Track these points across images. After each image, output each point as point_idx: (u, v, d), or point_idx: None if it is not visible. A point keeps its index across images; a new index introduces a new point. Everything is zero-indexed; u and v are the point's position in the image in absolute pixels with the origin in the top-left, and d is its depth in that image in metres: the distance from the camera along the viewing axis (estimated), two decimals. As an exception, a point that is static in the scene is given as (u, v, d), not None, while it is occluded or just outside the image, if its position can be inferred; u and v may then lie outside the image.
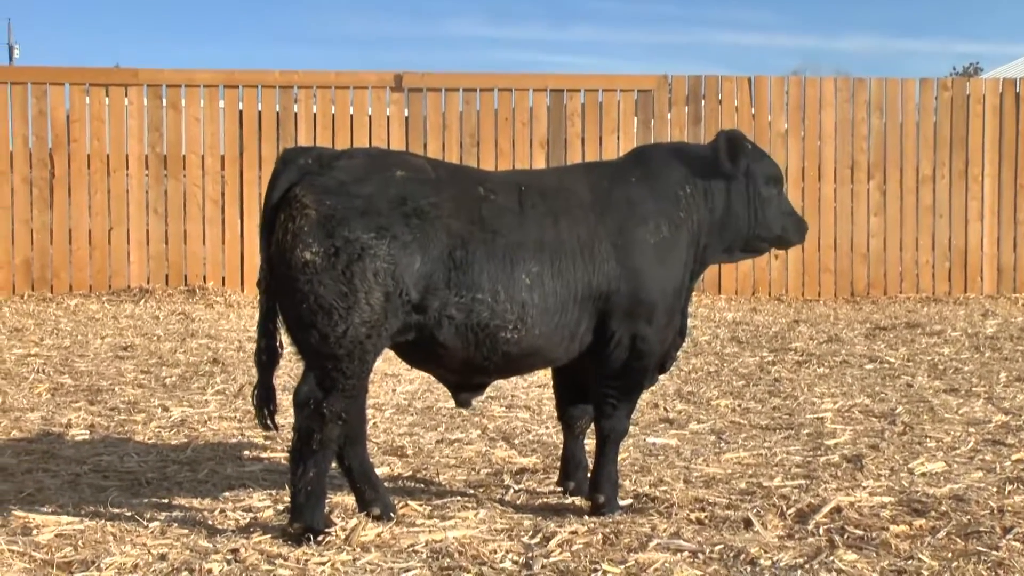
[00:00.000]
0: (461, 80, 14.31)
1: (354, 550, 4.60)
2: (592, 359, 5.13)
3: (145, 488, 5.61)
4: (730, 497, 5.40)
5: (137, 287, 13.55)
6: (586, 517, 5.07)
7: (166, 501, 5.35)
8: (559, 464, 5.69)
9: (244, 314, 12.18)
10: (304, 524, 4.69)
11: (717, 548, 4.63)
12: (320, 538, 4.66)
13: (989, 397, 7.97)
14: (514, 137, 14.16)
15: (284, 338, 4.87)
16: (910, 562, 4.53)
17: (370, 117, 14.07)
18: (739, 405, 7.74)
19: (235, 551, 4.55)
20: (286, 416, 5.13)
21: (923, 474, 5.91)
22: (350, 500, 5.18)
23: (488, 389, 5.43)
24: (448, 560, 4.51)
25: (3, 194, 13.61)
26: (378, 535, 4.78)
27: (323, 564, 4.45)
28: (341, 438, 4.84)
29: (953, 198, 14.59)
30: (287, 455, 5.20)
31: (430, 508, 5.22)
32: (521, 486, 5.67)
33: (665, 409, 7.56)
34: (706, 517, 5.08)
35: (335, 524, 4.86)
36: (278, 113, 13.96)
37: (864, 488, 5.58)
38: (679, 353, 5.80)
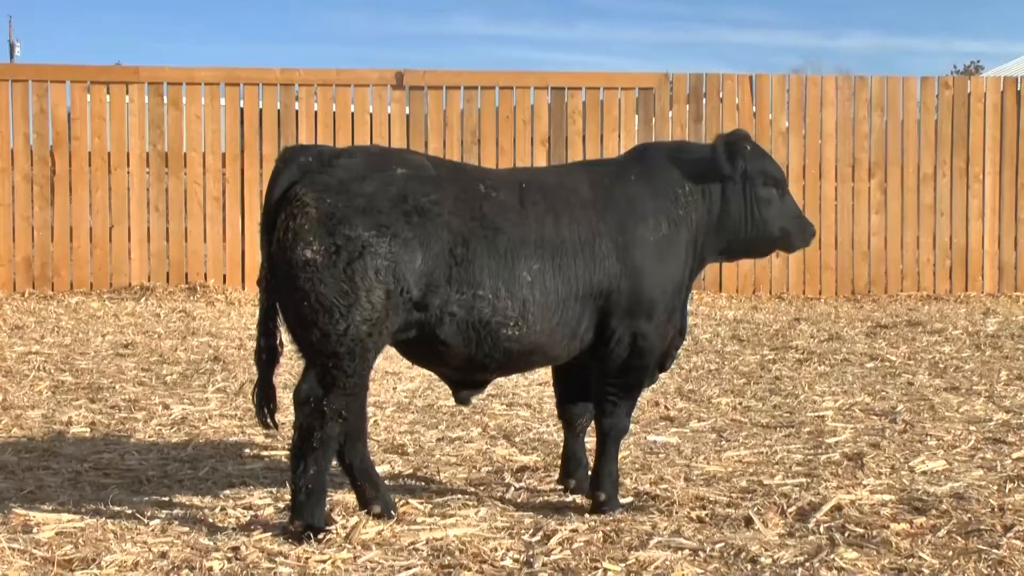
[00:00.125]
0: (462, 78, 14.31)
1: (355, 548, 4.60)
2: (593, 357, 5.14)
3: (146, 486, 5.61)
4: (731, 495, 5.41)
5: (138, 285, 13.56)
6: (587, 515, 5.07)
7: (167, 499, 5.35)
8: (560, 462, 5.69)
9: (245, 312, 12.18)
10: (305, 522, 4.69)
11: (718, 546, 4.63)
12: (321, 536, 4.66)
13: (990, 395, 7.97)
14: (515, 135, 14.16)
15: (284, 337, 4.87)
16: (911, 560, 4.53)
17: (371, 115, 14.07)
18: (740, 403, 7.74)
19: (236, 549, 4.56)
20: (287, 414, 5.13)
21: (924, 472, 5.91)
22: (351, 498, 5.18)
23: (489, 387, 5.44)
24: (449, 558, 4.51)
25: (4, 192, 13.61)
26: (379, 533, 4.78)
27: (324, 562, 4.45)
28: (342, 436, 4.84)
29: (954, 196, 14.59)
30: (288, 453, 5.20)
31: (431, 506, 5.22)
32: (522, 484, 5.67)
33: (666, 407, 7.56)
34: (707, 515, 5.09)
35: (336, 522, 4.86)
36: (279, 111, 13.96)
37: (865, 486, 5.58)
38: (680, 351, 5.80)
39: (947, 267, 14.56)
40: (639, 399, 5.56)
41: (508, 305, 4.82)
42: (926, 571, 4.42)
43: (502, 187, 4.97)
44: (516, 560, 4.51)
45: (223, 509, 5.17)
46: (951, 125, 14.61)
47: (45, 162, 13.67)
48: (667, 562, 4.46)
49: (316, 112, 14.01)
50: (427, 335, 4.82)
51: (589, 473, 5.34)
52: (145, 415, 7.20)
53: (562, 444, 5.66)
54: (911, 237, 14.50)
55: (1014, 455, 6.27)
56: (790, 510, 5.15)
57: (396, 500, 5.18)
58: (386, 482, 5.35)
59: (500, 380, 7.13)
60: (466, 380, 5.15)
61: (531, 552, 4.58)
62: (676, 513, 5.11)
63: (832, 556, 4.54)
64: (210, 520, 4.99)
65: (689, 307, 5.51)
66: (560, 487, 5.56)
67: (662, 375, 6.03)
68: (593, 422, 5.32)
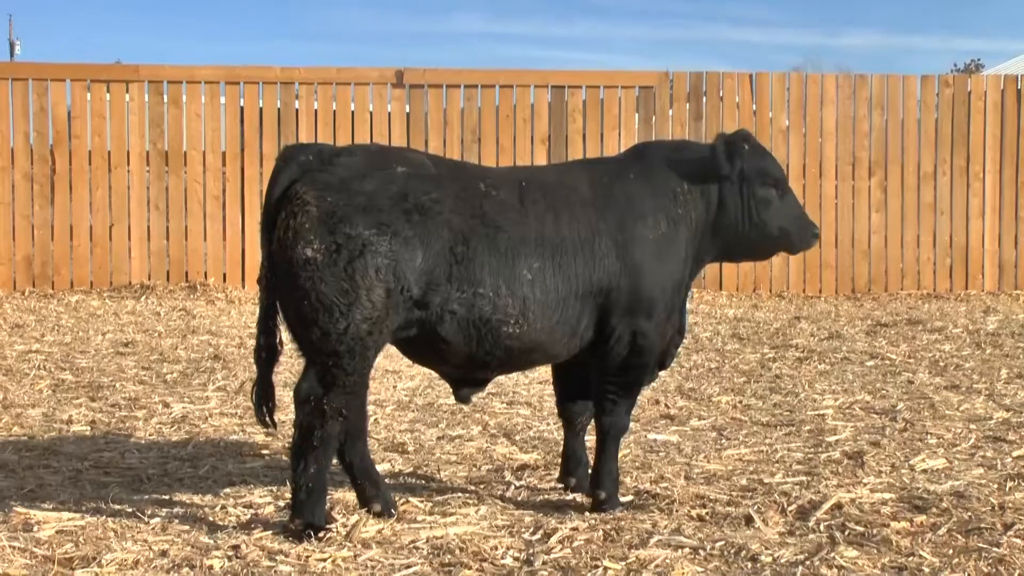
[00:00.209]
0: (462, 76, 14.31)
1: (355, 546, 4.60)
2: (592, 355, 5.14)
3: (146, 484, 5.61)
4: (731, 494, 5.41)
5: (138, 283, 13.56)
6: (587, 513, 5.07)
7: (167, 497, 5.36)
8: (560, 460, 5.69)
9: (245, 310, 12.18)
10: (305, 520, 4.70)
11: (718, 544, 4.63)
12: (321, 534, 4.66)
13: (990, 394, 7.97)
14: (515, 134, 14.15)
15: (284, 335, 4.87)
16: (911, 559, 4.53)
17: (371, 113, 14.07)
18: (740, 402, 7.74)
19: (236, 547, 4.56)
20: (287, 412, 5.14)
21: (924, 471, 5.91)
22: (351, 496, 5.18)
23: (489, 385, 5.44)
24: (449, 556, 4.51)
25: (4, 190, 13.61)
26: (379, 531, 4.79)
27: (324, 560, 4.45)
28: (342, 434, 4.84)
29: (954, 195, 14.59)
30: (288, 451, 5.20)
31: (431, 504, 5.22)
32: (522, 482, 5.67)
33: (666, 405, 7.57)
34: (707, 514, 5.09)
35: (336, 520, 4.86)
36: (279, 109, 13.96)
37: (865, 485, 5.58)
38: (680, 350, 5.80)
39: (947, 265, 14.56)
40: (639, 397, 5.56)
41: (509, 303, 4.83)
42: (926, 569, 4.42)
43: (502, 185, 4.98)
44: (516, 558, 4.51)
45: (223, 507, 5.17)
46: (951, 123, 14.61)
47: (45, 161, 13.67)
48: (667, 560, 4.46)
49: (316, 111, 14.01)
50: (428, 333, 4.82)
51: (589, 471, 5.34)
52: (145, 413, 7.20)
53: (562, 442, 5.66)
54: (911, 235, 14.50)
55: (1014, 453, 6.27)
56: (790, 508, 5.15)
57: (396, 498, 5.18)
58: (386, 480, 5.35)
59: (500, 378, 7.13)
60: (466, 378, 5.15)
61: (531, 550, 4.58)
62: (676, 511, 5.11)
63: (832, 554, 4.54)
64: (210, 518, 4.99)
65: (689, 305, 5.51)
66: (560, 485, 5.56)
67: (662, 373, 6.03)
68: (593, 420, 5.32)
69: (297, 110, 14.01)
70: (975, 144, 14.59)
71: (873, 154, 14.51)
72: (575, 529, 4.82)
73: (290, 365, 7.13)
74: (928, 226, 14.53)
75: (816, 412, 7.36)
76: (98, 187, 13.71)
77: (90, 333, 10.55)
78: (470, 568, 4.40)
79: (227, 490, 5.48)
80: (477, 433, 6.77)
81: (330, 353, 4.66)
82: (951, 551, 4.61)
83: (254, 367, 4.97)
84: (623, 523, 4.91)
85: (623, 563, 4.44)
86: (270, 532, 4.75)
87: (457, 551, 4.55)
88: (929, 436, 6.69)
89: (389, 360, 8.08)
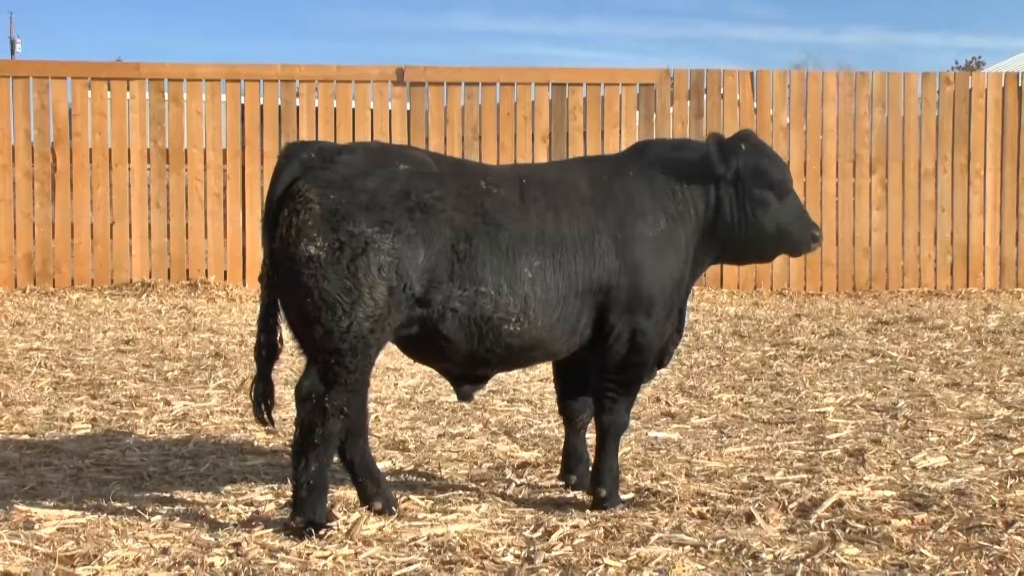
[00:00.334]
0: (463, 74, 14.31)
1: (356, 544, 4.61)
2: (592, 353, 5.14)
3: (147, 482, 5.61)
4: (732, 491, 5.41)
5: (139, 281, 13.56)
6: (588, 511, 5.08)
7: (168, 495, 5.36)
8: (561, 458, 5.69)
9: (246, 308, 12.18)
10: (306, 518, 4.70)
11: (719, 542, 4.63)
12: (322, 532, 4.67)
13: (991, 391, 7.97)
14: (516, 131, 14.15)
15: (285, 333, 4.87)
16: (912, 556, 4.53)
17: (372, 111, 14.07)
18: (741, 399, 7.74)
19: (237, 545, 4.56)
20: (288, 410, 5.14)
21: (925, 468, 5.91)
22: (352, 494, 5.18)
23: (490, 383, 5.44)
24: (450, 554, 4.51)
25: (5, 188, 13.61)
26: (380, 529, 4.79)
27: (325, 558, 4.45)
28: (343, 432, 4.84)
29: (955, 192, 14.58)
30: (289, 449, 5.21)
31: (432, 502, 5.22)
32: (523, 480, 5.67)
33: (667, 403, 7.57)
34: (708, 511, 5.09)
35: (337, 518, 4.86)
36: (280, 107, 13.96)
37: (866, 482, 5.58)
38: (680, 347, 5.80)
39: (948, 263, 14.56)
40: (640, 395, 5.56)
41: (510, 301, 4.83)
42: (927, 567, 4.42)
43: (503, 183, 4.98)
44: (517, 556, 4.51)
45: (224, 505, 5.17)
46: (952, 121, 14.61)
47: (46, 158, 13.67)
48: (668, 558, 4.46)
49: (317, 108, 14.02)
50: (429, 331, 4.82)
51: (590, 469, 5.34)
52: (146, 411, 7.20)
53: (563, 440, 5.66)
54: (912, 233, 14.49)
55: (1015, 451, 6.27)
56: (791, 506, 5.15)
57: (397, 496, 5.18)
58: (387, 478, 5.36)
59: (501, 376, 7.13)
60: (467, 375, 5.16)
61: (532, 548, 4.58)
62: (677, 509, 5.11)
63: (833, 552, 4.54)
64: (211, 516, 4.99)
65: (689, 303, 5.50)
66: (561, 483, 5.56)
67: (663, 371, 6.04)
68: (593, 418, 5.32)
69: (298, 108, 14.01)
70: (976, 141, 14.59)
71: (874, 151, 14.50)
72: (576, 527, 4.82)
73: (291, 363, 7.14)
74: (929, 223, 14.53)
75: (817, 410, 7.36)
76: (99, 185, 13.71)
77: (91, 331, 10.56)
78: (471, 566, 4.41)
79: (228, 488, 5.48)
80: (478, 431, 6.77)
81: (332, 351, 4.66)
82: (952, 549, 4.61)
83: (255, 365, 4.97)
84: (624, 521, 4.91)
85: (624, 561, 4.44)
86: (271, 530, 4.75)
87: (458, 549, 4.55)
88: (930, 434, 6.69)
89: (390, 358, 8.08)
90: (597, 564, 4.41)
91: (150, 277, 13.65)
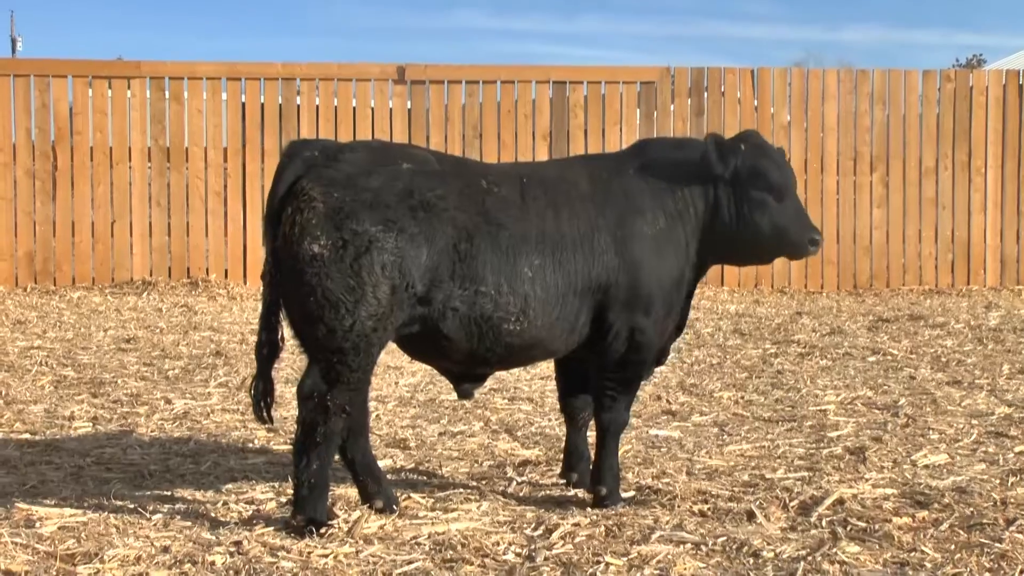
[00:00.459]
0: (464, 72, 14.30)
1: (357, 542, 4.61)
2: (591, 351, 5.14)
3: (148, 480, 5.62)
4: (733, 489, 5.41)
5: (140, 279, 13.56)
6: (588, 509, 5.08)
7: (169, 493, 5.36)
8: (562, 456, 5.69)
9: (247, 307, 12.19)
10: (307, 516, 4.70)
11: (720, 540, 4.63)
12: (323, 530, 4.67)
13: (992, 389, 7.96)
14: (516, 129, 14.15)
15: (286, 332, 4.87)
16: (913, 554, 4.53)
17: (373, 109, 14.07)
18: (742, 397, 7.74)
19: (238, 543, 4.56)
20: (289, 409, 5.14)
21: (926, 466, 5.91)
22: (353, 493, 5.18)
23: (490, 381, 5.45)
24: (451, 552, 4.51)
25: (6, 186, 13.61)
26: (381, 527, 4.79)
27: (326, 556, 4.45)
28: (344, 431, 4.84)
29: (956, 190, 14.58)
30: (290, 447, 5.21)
31: (433, 500, 5.22)
32: (524, 478, 5.67)
33: (668, 401, 7.56)
34: (709, 509, 5.09)
35: (338, 516, 4.86)
36: (281, 105, 13.96)
37: (867, 480, 5.58)
38: (681, 345, 5.79)
39: (949, 261, 14.56)
40: (640, 393, 5.56)
41: (510, 300, 4.83)
42: (928, 565, 4.42)
43: (504, 182, 4.98)
44: (518, 554, 4.51)
45: (225, 504, 5.17)
46: (953, 118, 14.60)
47: (47, 157, 13.68)
48: (669, 556, 4.46)
49: (318, 106, 14.01)
50: (430, 330, 4.82)
51: (591, 467, 5.34)
52: (147, 410, 7.20)
53: (564, 438, 5.66)
54: (913, 231, 14.49)
55: (1016, 449, 6.27)
56: (792, 504, 5.15)
57: (398, 494, 5.18)
58: (388, 476, 5.36)
59: (502, 374, 7.14)
60: (467, 374, 5.16)
61: (533, 546, 4.58)
62: (678, 507, 5.11)
63: (834, 550, 4.53)
64: (212, 515, 4.99)
65: (691, 302, 5.49)
66: (562, 481, 5.56)
67: (664, 369, 6.03)
68: (593, 416, 5.32)
69: (299, 106, 14.01)
70: (976, 139, 14.59)
71: (874, 149, 14.50)
72: (577, 525, 4.82)
73: (292, 361, 7.14)
74: (930, 221, 14.53)
75: (818, 408, 7.36)
76: (100, 183, 13.71)
77: (92, 329, 10.56)
78: (472, 564, 4.41)
79: (229, 486, 5.48)
80: (479, 429, 6.77)
81: (335, 350, 4.66)
82: (953, 546, 4.61)
83: (255, 363, 4.97)
84: (625, 519, 4.91)
85: (625, 559, 4.44)
86: (272, 528, 4.75)
87: (459, 547, 4.55)
88: (931, 432, 6.69)
89: (391, 356, 8.08)
90: (598, 562, 4.41)
91: (151, 275, 13.66)
